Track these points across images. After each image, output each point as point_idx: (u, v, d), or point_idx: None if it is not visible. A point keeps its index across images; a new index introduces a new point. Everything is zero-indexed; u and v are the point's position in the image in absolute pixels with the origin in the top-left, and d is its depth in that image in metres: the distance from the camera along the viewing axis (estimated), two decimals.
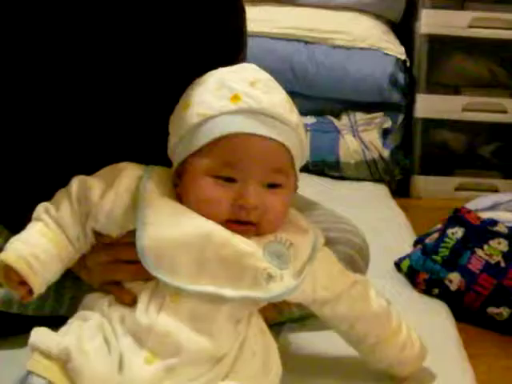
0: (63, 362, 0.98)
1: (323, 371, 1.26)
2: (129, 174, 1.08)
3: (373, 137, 2.62)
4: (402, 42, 2.74)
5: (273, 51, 2.64)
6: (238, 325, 1.04)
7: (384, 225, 2.07)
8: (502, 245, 1.76)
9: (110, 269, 1.09)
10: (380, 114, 2.67)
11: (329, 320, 1.17)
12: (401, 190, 2.69)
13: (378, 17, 2.77)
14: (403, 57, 2.69)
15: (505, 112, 2.72)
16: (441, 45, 2.71)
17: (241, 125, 1.04)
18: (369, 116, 2.66)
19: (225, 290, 1.02)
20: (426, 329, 1.49)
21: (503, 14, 2.68)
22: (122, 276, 1.07)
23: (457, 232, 1.80)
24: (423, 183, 2.75)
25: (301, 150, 1.10)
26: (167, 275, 1.01)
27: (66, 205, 1.06)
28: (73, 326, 1.03)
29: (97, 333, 1.01)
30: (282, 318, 1.34)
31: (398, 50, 2.69)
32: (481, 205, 2.10)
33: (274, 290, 1.03)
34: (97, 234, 1.09)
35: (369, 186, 2.53)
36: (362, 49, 2.67)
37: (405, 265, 1.79)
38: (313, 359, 1.31)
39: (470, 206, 2.06)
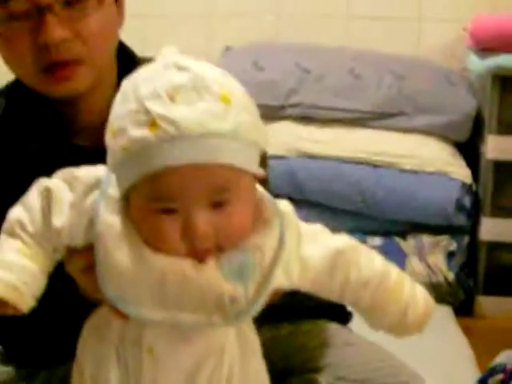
0: None
1: None
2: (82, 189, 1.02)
3: (438, 260, 2.65)
4: (468, 161, 2.76)
5: (341, 175, 2.69)
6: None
7: (445, 355, 2.05)
8: None
9: (89, 272, 1.02)
10: (445, 236, 2.69)
11: (314, 292, 1.07)
12: (464, 309, 2.69)
13: (445, 139, 2.79)
14: (469, 181, 2.71)
15: None
16: (507, 170, 2.73)
17: (165, 157, 0.93)
18: (435, 239, 2.69)
19: (185, 315, 0.98)
20: None
21: None
22: None
23: None
24: (487, 303, 2.74)
25: (247, 148, 0.96)
26: (133, 309, 0.99)
27: (39, 218, 1.02)
28: None
29: None
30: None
31: (464, 174, 2.71)
32: None
33: (237, 310, 0.98)
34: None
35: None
36: (429, 173, 2.69)
37: None
38: None
39: None
